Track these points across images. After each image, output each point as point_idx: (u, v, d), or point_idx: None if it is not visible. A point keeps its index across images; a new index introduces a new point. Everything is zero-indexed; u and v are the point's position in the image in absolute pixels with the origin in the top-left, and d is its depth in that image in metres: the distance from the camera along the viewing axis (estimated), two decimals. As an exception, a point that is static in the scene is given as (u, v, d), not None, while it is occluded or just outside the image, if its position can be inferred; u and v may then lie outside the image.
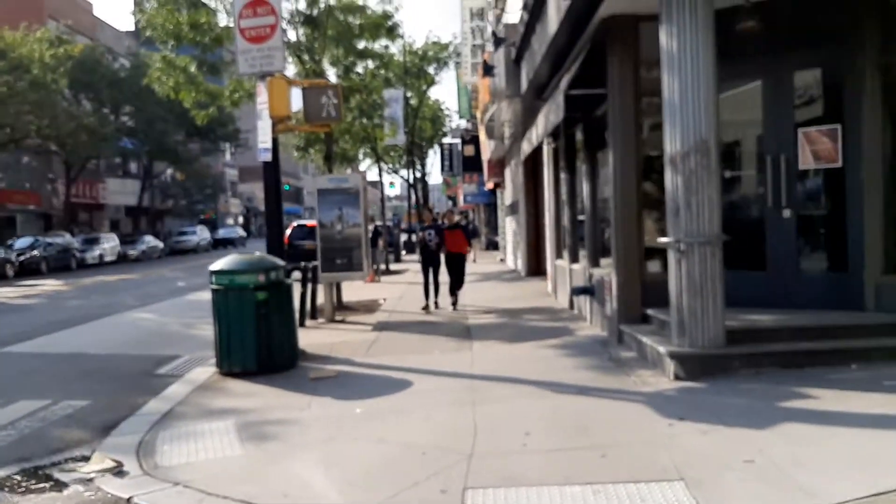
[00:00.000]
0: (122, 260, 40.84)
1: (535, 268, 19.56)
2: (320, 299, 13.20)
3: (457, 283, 14.05)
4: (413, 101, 45.58)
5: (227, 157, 70.87)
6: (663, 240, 7.43)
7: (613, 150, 9.19)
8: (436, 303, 13.86)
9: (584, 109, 10.88)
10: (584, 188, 11.22)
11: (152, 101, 44.64)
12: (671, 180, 7.20)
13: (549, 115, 10.58)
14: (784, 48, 8.31)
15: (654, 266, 9.22)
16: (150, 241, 46.18)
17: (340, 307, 14.71)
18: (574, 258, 12.60)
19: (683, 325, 7.14)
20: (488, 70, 15.02)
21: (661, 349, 7.26)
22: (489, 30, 14.99)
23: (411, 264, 28.91)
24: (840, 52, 8.05)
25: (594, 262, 10.86)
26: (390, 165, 50.43)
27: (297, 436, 6.21)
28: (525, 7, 11.64)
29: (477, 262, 28.38)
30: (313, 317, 13.15)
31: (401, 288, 18.73)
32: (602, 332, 9.98)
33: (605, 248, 10.59)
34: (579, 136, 11.99)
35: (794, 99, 8.46)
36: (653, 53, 8.73)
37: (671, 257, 7.28)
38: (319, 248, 12.64)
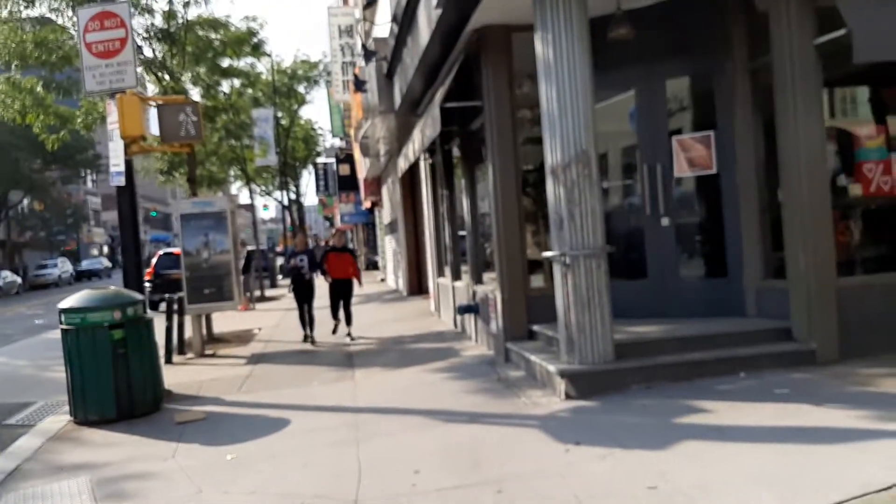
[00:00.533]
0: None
1: (417, 287, 19.19)
2: (189, 332, 12.30)
3: (348, 314, 12.63)
4: (284, 121, 44.64)
5: (89, 184, 67.26)
6: (548, 254, 7.17)
7: (492, 164, 8.91)
8: (311, 338, 12.44)
9: (461, 123, 10.61)
10: (464, 203, 10.92)
11: (1, 127, 41.96)
12: (553, 192, 6.95)
13: (425, 129, 10.22)
14: (656, 56, 8.27)
15: (538, 280, 8.99)
16: (6, 275, 43.09)
17: (211, 340, 13.81)
18: (456, 275, 12.28)
19: (572, 342, 6.87)
20: (359, 85, 14.55)
21: (551, 368, 6.96)
22: (359, 46, 14.51)
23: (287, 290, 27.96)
24: (710, 59, 8.08)
25: (477, 279, 10.56)
26: (263, 187, 49.16)
27: (160, 491, 5.52)
28: (395, 20, 11.28)
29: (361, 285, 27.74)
30: (181, 352, 12.25)
31: (277, 315, 17.91)
32: (489, 351, 9.65)
33: (488, 263, 10.30)
34: (457, 150, 11.71)
35: (667, 107, 8.44)
36: (527, 64, 8.52)
37: (557, 271, 7.02)
38: (185, 278, 11.77)
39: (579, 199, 6.78)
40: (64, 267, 50.00)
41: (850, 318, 7.02)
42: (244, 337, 14.18)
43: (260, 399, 8.42)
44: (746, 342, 7.24)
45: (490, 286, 9.73)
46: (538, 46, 6.98)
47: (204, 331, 12.67)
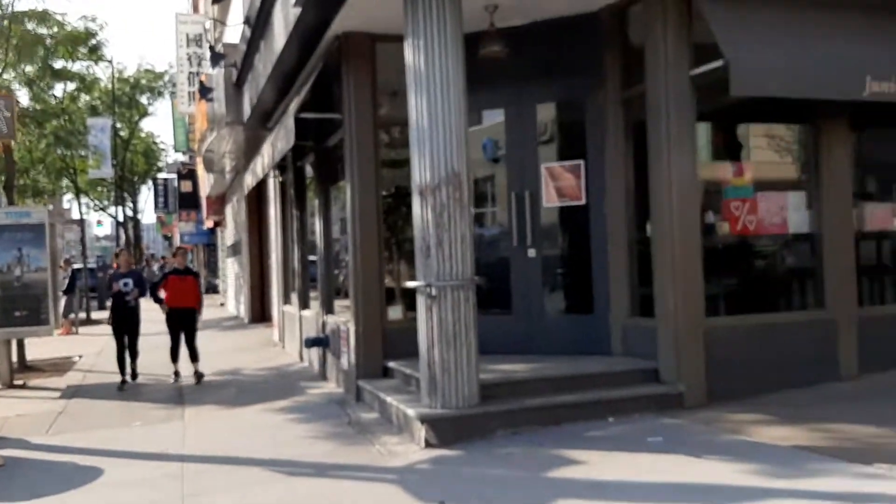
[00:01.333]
0: None
1: (260, 314, 18.01)
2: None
3: (193, 350, 10.46)
4: (123, 133, 41.90)
5: None
6: (412, 283, 6.49)
7: (351, 183, 8.17)
8: (123, 381, 10.11)
9: (317, 138, 9.82)
10: (317, 226, 10.09)
11: None
12: (420, 216, 6.30)
13: (277, 142, 9.36)
14: (527, 79, 7.88)
15: (396, 312, 8.30)
16: None
17: (24, 368, 12.16)
18: (304, 304, 11.38)
19: (435, 382, 6.21)
20: (205, 93, 13.42)
21: (410, 412, 6.26)
22: (207, 50, 13.38)
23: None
24: (582, 86, 7.76)
25: (328, 309, 9.73)
26: (97, 202, 45.85)
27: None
28: (247, 22, 10.37)
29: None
30: (-17, 382, 10.61)
31: (101, 341, 16.17)
32: (339, 389, 8.83)
33: (340, 292, 9.51)
34: (311, 167, 10.89)
35: (537, 132, 8.04)
36: (393, 77, 7.93)
37: (420, 303, 6.35)
38: (-11, 298, 10.21)
39: (449, 224, 6.17)
40: None
41: (716, 360, 6.79)
42: (62, 366, 12.60)
43: (71, 442, 7.20)
44: (614, 384, 6.84)
45: (343, 317, 8.94)
46: (408, 54, 6.35)
47: (15, 357, 11.06)
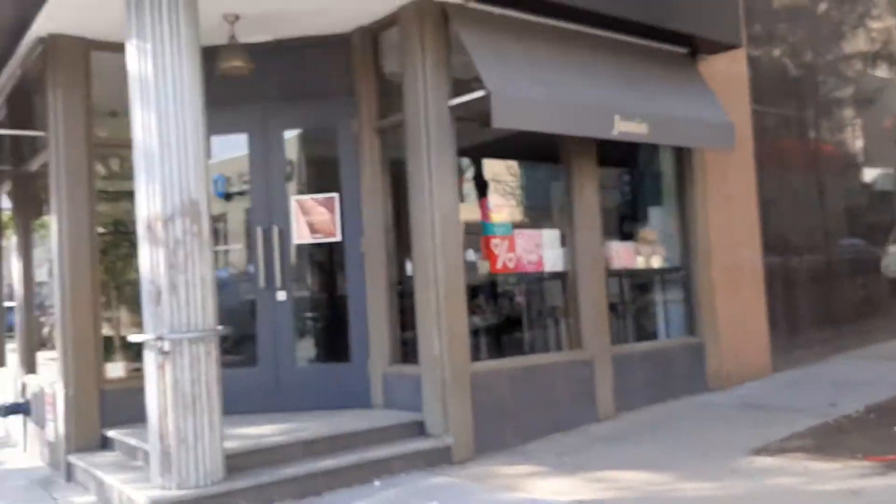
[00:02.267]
0: None
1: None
2: None
3: None
4: None
5: None
6: (138, 337, 5.34)
7: (58, 216, 6.77)
8: None
9: (15, 161, 8.21)
10: (15, 267, 8.37)
11: None
12: (149, 254, 5.21)
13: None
14: (273, 102, 7.09)
15: (117, 370, 6.97)
16: None
17: None
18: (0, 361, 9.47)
19: (169, 457, 5.10)
20: None
21: (139, 497, 5.09)
22: None
23: None
24: (335, 113, 7.11)
25: (30, 367, 8.06)
26: None
27: None
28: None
29: None
30: None
31: None
32: (42, 463, 7.26)
33: (47, 344, 7.93)
34: (7, 197, 9.11)
35: (285, 161, 7.23)
36: (113, 93, 6.77)
37: (149, 360, 5.23)
38: None
39: (185, 263, 5.14)
40: None
41: (482, 408, 6.38)
42: None
43: None
44: (378, 441, 6.15)
45: (48, 376, 7.40)
46: (132, 60, 5.28)
47: None
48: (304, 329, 7.32)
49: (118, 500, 5.44)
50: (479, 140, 7.40)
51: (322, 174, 7.40)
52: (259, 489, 5.29)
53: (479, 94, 6.22)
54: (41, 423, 7.31)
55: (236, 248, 7.46)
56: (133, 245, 7.42)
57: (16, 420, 8.16)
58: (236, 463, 5.43)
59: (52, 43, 6.70)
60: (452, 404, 6.20)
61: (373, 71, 6.98)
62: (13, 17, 6.41)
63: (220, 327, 5.39)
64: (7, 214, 9.50)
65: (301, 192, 7.19)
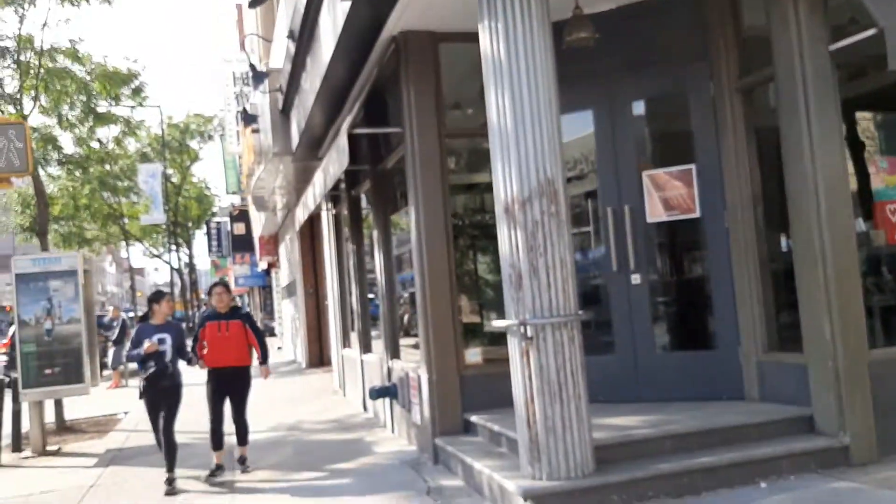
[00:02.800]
0: None
1: (318, 358, 16.94)
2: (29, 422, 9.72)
3: (241, 427, 7.65)
4: (175, 179, 41.88)
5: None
6: (500, 323, 5.23)
7: (415, 208, 7.01)
8: (170, 482, 6.94)
9: (373, 160, 8.72)
10: (377, 260, 8.92)
11: None
12: (508, 238, 5.06)
13: (329, 166, 8.28)
14: (620, 73, 6.65)
15: (475, 356, 7.05)
16: None
17: (62, 429, 11.20)
18: (366, 347, 10.20)
19: (537, 446, 4.92)
20: (249, 120, 12.47)
21: (509, 485, 4.97)
22: (248, 68, 12.31)
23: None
24: (688, 77, 6.49)
25: (393, 353, 8.52)
26: (152, 249, 45.84)
27: None
28: (291, 35, 9.36)
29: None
30: (17, 448, 9.64)
31: (153, 393, 15.25)
32: (411, 447, 7.59)
33: (409, 331, 8.32)
34: (367, 196, 9.78)
35: (634, 134, 6.77)
36: (460, 82, 6.86)
37: (513, 346, 5.10)
38: (20, 354, 9.25)
39: (544, 245, 4.92)
40: None
41: (882, 403, 5.37)
42: (105, 425, 11.59)
43: None
44: (757, 437, 5.46)
45: (411, 362, 7.73)
46: (485, 42, 5.18)
47: (43, 420, 10.07)
48: (661, 314, 6.80)
49: (487, 486, 5.39)
50: (860, 90, 6.33)
51: (674, 145, 6.83)
52: (631, 484, 4.91)
53: (867, 33, 5.23)
54: (407, 406, 7.65)
55: (584, 231, 7.16)
56: (482, 233, 7.52)
57: (382, 402, 8.68)
58: (605, 456, 5.10)
59: (403, 41, 6.93)
60: (849, 398, 5.30)
61: (731, 26, 6.24)
62: (368, 21, 6.70)
63: (581, 313, 5.09)
64: (365, 212, 10.22)
65: (652, 166, 6.67)
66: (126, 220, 28.40)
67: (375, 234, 8.93)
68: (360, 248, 10.48)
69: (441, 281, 6.90)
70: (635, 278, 6.56)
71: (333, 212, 11.95)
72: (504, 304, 5.18)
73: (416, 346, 7.63)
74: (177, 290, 47.31)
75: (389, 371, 8.48)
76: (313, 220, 15.73)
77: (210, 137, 39.73)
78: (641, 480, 4.96)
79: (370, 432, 8.71)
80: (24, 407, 9.69)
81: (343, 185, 10.54)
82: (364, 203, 10.26)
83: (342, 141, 7.26)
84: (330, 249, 12.56)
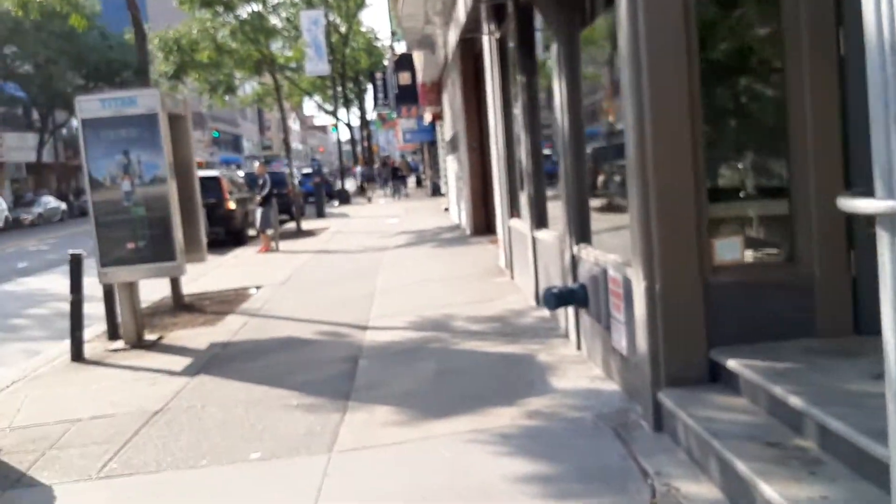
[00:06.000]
0: (14, 226, 34.73)
1: (485, 225, 14.38)
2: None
3: None
4: (342, 28, 39.75)
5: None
6: (866, 205, 2.21)
7: (628, 8, 3.93)
8: None
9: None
10: (558, 96, 5.91)
11: (36, 40, 38.36)
12: (877, 59, 1.95)
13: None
14: None
15: (734, 248, 4.08)
16: (48, 202, 39.99)
17: (180, 307, 9.45)
18: (540, 221, 7.41)
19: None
20: None
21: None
22: None
23: (338, 220, 23.56)
24: None
25: (581, 234, 5.66)
26: (323, 104, 44.62)
27: None
28: None
29: (418, 213, 23.12)
30: (114, 335, 7.88)
31: (298, 261, 13.43)
32: (609, 382, 4.87)
33: (610, 206, 5.44)
34: (541, 5, 6.64)
35: None
36: None
37: (884, 247, 2.08)
38: (93, 223, 7.23)
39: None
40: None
41: None
42: (229, 303, 9.73)
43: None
44: None
45: (613, 253, 4.87)
46: None
47: (137, 304, 8.14)
48: None
49: None
50: None
51: None
52: None
53: None
54: (604, 322, 4.87)
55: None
56: (756, 44, 4.36)
57: (567, 309, 5.92)
58: None
59: None
60: None
61: None
62: None
63: None
64: (541, 32, 7.14)
65: None
66: (285, 72, 26.51)
67: (561, 64, 5.86)
68: (531, 81, 7.49)
69: (673, 124, 3.89)
70: None
71: (497, 35, 8.91)
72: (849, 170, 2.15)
73: (619, 229, 4.76)
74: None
75: (574, 261, 5.67)
76: (477, 59, 12.78)
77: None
78: None
79: (545, 345, 6.04)
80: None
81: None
82: (538, 22, 7.18)
83: None
84: (493, 88, 9.61)
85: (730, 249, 4.01)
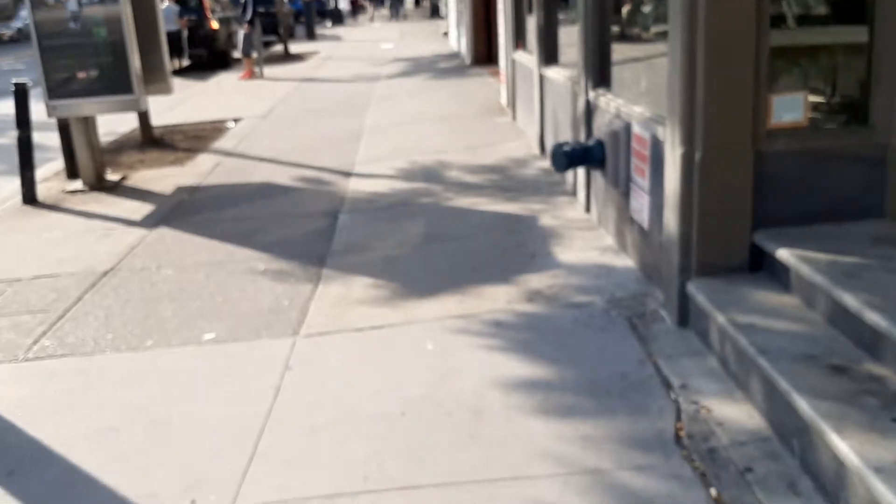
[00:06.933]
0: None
1: (486, 54, 13.24)
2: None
3: None
4: None
5: None
6: None
7: None
8: None
9: None
10: None
11: None
12: None
13: None
14: None
15: (796, 107, 3.25)
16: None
17: (148, 142, 8.64)
18: (549, 56, 6.45)
19: None
20: None
21: None
22: None
23: (329, 42, 22.14)
24: None
25: (599, 78, 4.77)
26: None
27: None
28: None
29: (415, 37, 21.70)
30: (73, 174, 7.13)
31: (284, 90, 12.44)
32: (623, 257, 4.21)
33: (639, 43, 4.53)
34: None
35: None
36: None
37: None
38: (36, 48, 6.27)
39: None
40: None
41: None
42: (203, 138, 8.92)
43: (57, 371, 3.36)
44: None
45: (639, 105, 4.03)
46: None
47: (95, 142, 7.33)
48: None
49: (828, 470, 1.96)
50: None
51: None
52: None
53: None
54: (621, 185, 4.12)
55: None
56: None
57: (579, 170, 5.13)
58: None
59: None
60: None
61: None
62: None
63: None
64: None
65: None
66: None
67: None
68: None
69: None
70: None
71: None
72: None
73: (649, 74, 3.90)
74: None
75: (589, 109, 4.83)
76: None
77: None
78: None
79: (549, 205, 5.31)
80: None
81: None
82: None
83: None
84: None
85: (790, 108, 3.19)
